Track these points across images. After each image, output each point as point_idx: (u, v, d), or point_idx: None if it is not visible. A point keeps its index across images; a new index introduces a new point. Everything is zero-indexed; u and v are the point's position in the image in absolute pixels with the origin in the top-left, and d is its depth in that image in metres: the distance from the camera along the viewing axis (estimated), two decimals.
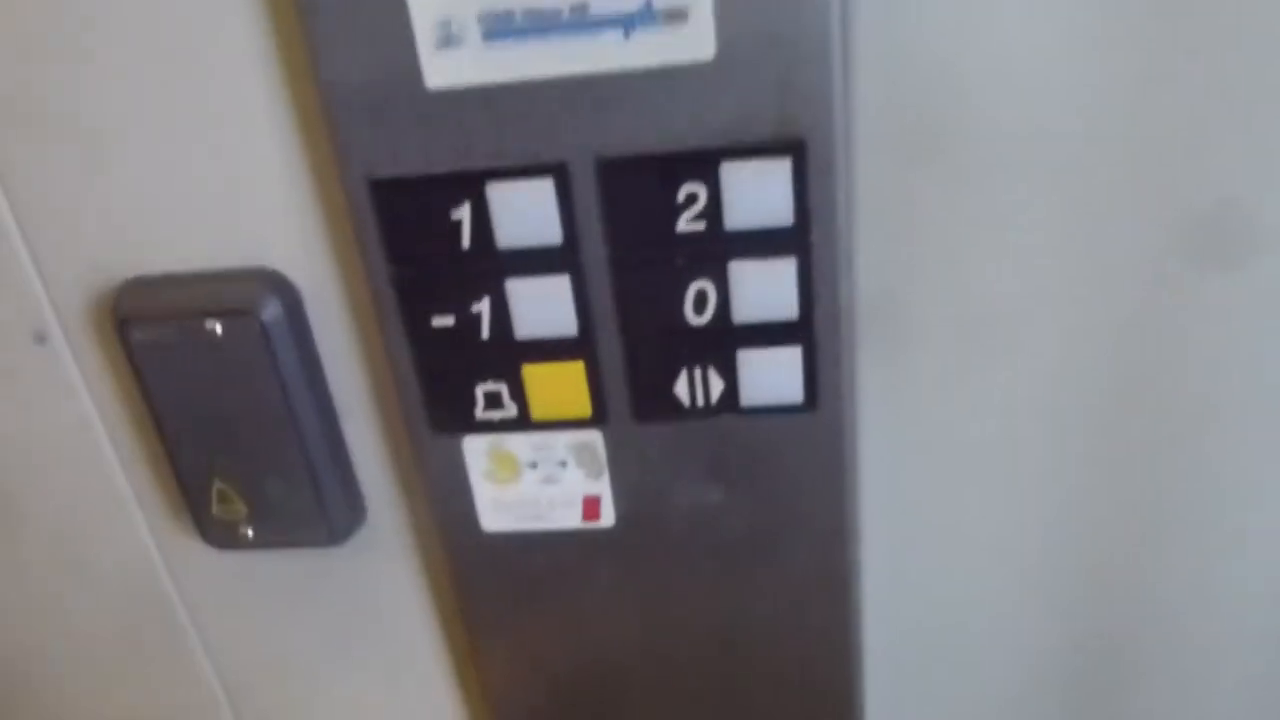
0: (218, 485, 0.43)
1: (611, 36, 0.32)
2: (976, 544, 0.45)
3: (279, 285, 0.40)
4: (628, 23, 0.32)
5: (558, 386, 0.39)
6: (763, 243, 0.35)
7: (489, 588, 0.45)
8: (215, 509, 0.44)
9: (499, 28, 0.32)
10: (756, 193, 0.35)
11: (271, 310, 0.40)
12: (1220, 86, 0.34)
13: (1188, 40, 0.34)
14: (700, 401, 0.39)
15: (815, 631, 0.45)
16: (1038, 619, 0.46)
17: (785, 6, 0.31)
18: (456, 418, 0.40)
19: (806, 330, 0.37)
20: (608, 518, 0.42)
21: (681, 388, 0.39)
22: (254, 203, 0.39)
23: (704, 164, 0.34)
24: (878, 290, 0.39)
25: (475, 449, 0.41)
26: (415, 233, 0.36)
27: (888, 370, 0.40)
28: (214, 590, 0.49)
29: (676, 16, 0.32)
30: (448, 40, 0.33)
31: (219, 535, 0.45)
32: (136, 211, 0.40)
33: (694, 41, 0.32)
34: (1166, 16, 0.33)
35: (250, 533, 0.44)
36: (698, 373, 0.39)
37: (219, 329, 0.40)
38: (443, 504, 0.43)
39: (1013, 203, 0.37)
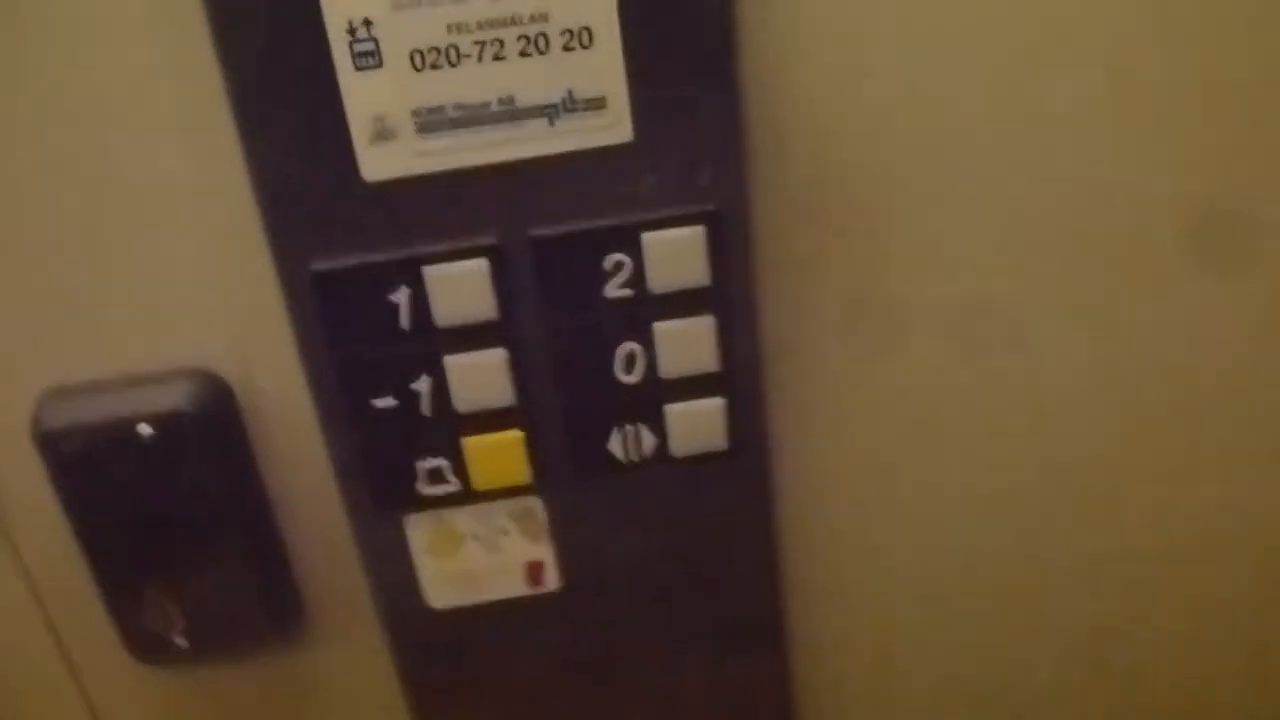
0: (147, 593, 0.42)
1: (537, 124, 0.35)
2: (906, 579, 0.48)
3: (209, 382, 0.40)
4: (552, 111, 0.35)
5: (498, 456, 0.41)
6: (684, 303, 0.39)
7: (439, 666, 0.45)
8: (145, 618, 0.43)
9: (431, 121, 0.35)
10: (676, 259, 0.38)
11: (203, 408, 0.40)
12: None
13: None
14: (634, 456, 0.41)
15: (750, 674, 0.47)
16: (976, 655, 0.50)
17: (695, 91, 0.35)
18: (399, 497, 0.41)
19: (727, 381, 0.40)
20: (552, 581, 0.44)
21: (616, 444, 0.41)
22: (177, 301, 0.39)
23: (627, 235, 0.37)
24: (787, 340, 0.43)
25: (418, 526, 0.42)
26: (355, 318, 0.38)
27: (800, 415, 0.44)
28: (144, 711, 0.47)
29: (596, 104, 0.35)
30: (383, 134, 0.35)
31: (148, 647, 0.43)
32: (52, 317, 0.39)
33: (613, 126, 0.36)
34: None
35: (184, 643, 0.43)
36: (629, 429, 0.41)
37: (148, 432, 0.39)
38: (387, 585, 0.43)
39: (905, 251, 0.41)
